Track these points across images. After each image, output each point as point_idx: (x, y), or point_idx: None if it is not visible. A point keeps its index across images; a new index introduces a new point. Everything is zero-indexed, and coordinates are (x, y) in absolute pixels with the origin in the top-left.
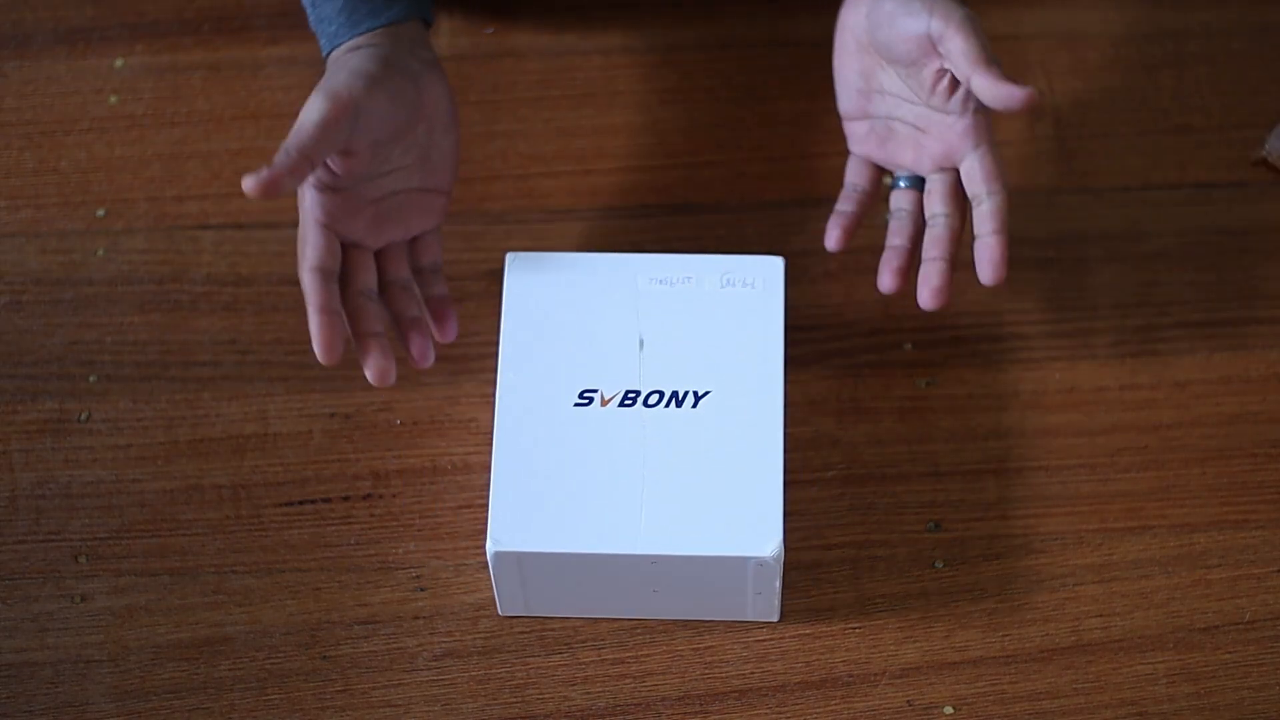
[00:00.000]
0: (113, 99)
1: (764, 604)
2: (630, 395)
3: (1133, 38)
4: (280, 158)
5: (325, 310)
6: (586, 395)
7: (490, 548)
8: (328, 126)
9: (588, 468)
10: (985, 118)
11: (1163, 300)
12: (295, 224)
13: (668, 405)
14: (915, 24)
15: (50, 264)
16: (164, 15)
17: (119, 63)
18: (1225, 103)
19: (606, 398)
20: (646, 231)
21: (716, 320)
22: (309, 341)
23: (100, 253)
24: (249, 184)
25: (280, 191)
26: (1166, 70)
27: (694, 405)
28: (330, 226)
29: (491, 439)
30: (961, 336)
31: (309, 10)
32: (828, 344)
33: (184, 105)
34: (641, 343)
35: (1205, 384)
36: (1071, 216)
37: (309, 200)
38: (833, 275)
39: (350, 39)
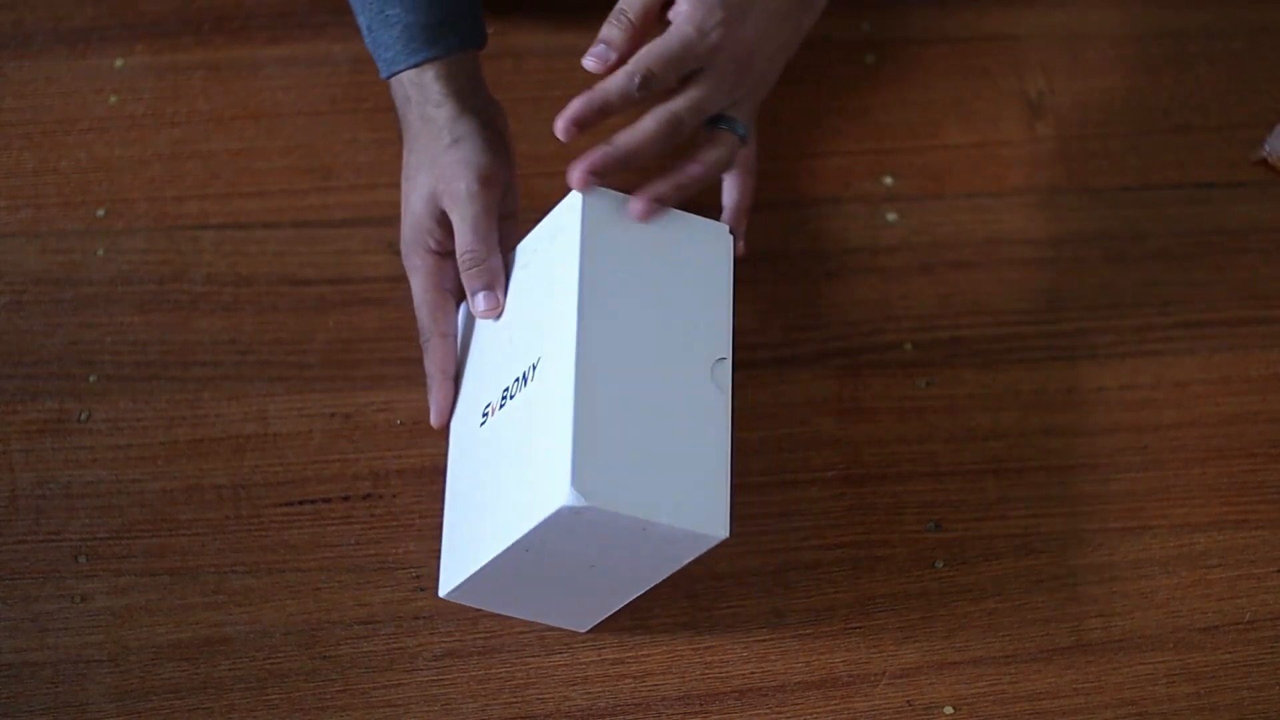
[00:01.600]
0: (113, 99)
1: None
2: (504, 394)
3: (1133, 38)
4: (488, 281)
5: (451, 379)
6: (485, 413)
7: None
8: (491, 214)
9: (479, 481)
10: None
11: (1163, 300)
12: (296, 224)
13: (521, 386)
14: None
15: (50, 264)
16: (164, 15)
17: (119, 63)
18: (1225, 103)
19: (494, 407)
20: None
21: (534, 280)
22: (309, 341)
23: (100, 253)
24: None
25: None
26: (1166, 70)
27: (532, 377)
28: (451, 291)
29: None
30: (961, 336)
31: (365, 34)
32: (828, 344)
33: (184, 105)
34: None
35: (1205, 384)
36: (1071, 216)
37: (432, 269)
38: (833, 275)
39: (408, 67)
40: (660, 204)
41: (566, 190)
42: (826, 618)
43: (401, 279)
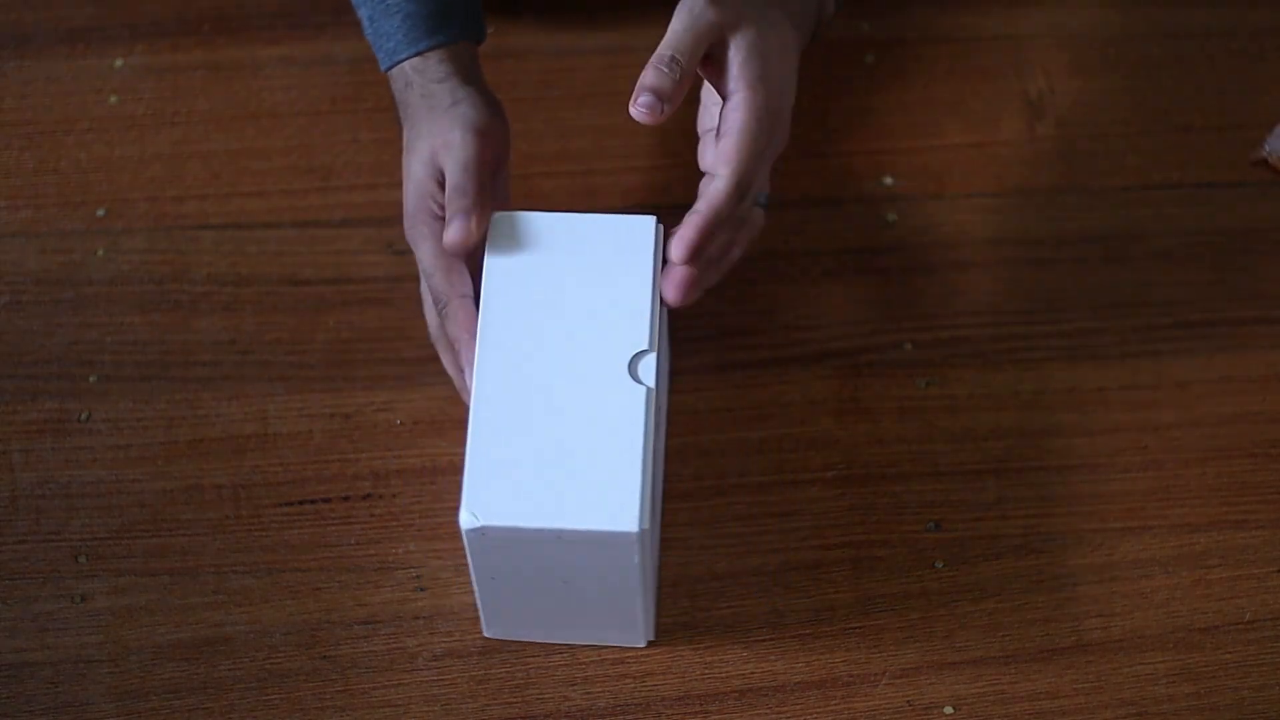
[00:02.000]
0: (113, 99)
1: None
2: None
3: (1133, 38)
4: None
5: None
6: None
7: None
8: (484, 163)
9: None
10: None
11: (1163, 300)
12: (296, 224)
13: None
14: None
15: (50, 264)
16: (164, 15)
17: (119, 63)
18: (1225, 103)
19: None
20: None
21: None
22: (309, 341)
23: (100, 253)
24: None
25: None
26: (1166, 70)
27: None
28: (461, 255)
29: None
30: (961, 336)
31: (366, 26)
32: (828, 344)
33: (184, 105)
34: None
35: (1205, 384)
36: (1071, 216)
37: (440, 234)
38: (833, 275)
39: (409, 55)
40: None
41: (566, 190)
42: (826, 618)
43: (401, 279)
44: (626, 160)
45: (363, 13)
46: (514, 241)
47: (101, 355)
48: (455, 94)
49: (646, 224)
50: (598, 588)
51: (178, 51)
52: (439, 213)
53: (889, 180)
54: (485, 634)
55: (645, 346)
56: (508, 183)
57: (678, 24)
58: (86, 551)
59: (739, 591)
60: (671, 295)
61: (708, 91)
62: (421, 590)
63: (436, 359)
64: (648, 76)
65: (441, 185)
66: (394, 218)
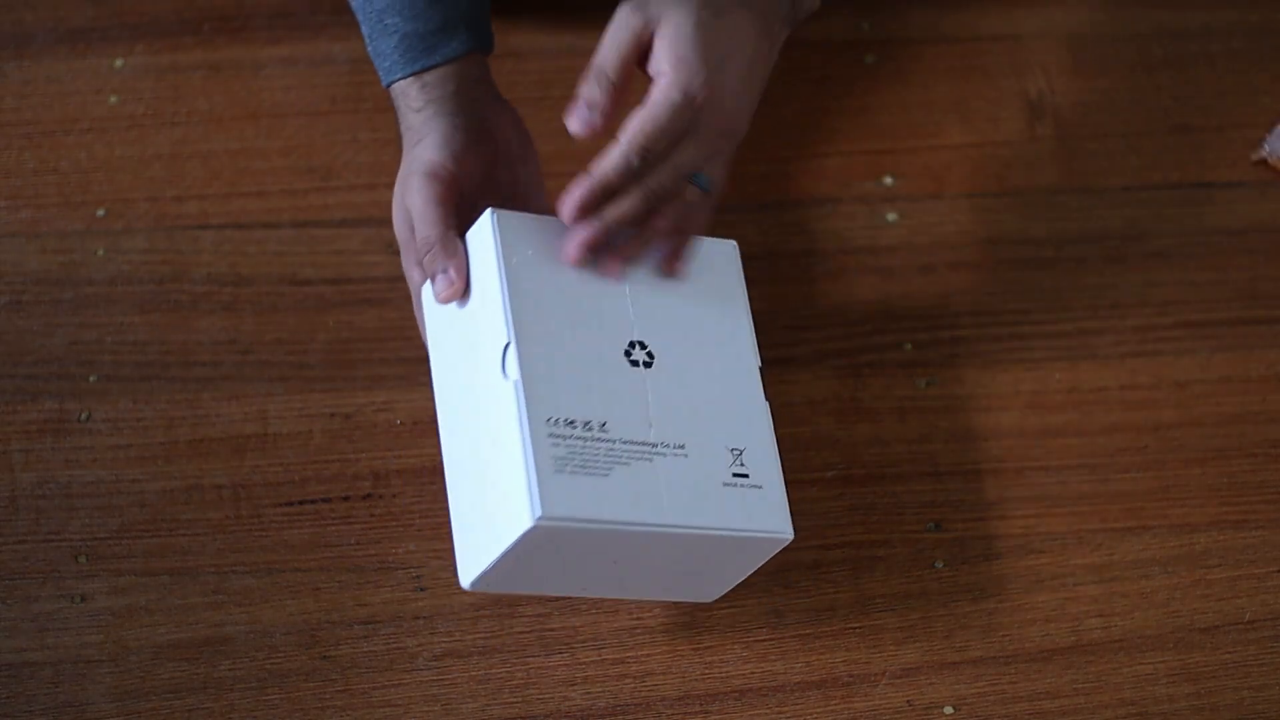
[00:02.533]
0: (113, 99)
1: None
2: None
3: (1133, 38)
4: (434, 259)
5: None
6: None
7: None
8: (442, 204)
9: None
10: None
11: (1163, 300)
12: (296, 224)
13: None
14: None
15: (50, 264)
16: (164, 15)
17: (119, 63)
18: (1225, 103)
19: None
20: None
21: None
22: (309, 341)
23: (100, 253)
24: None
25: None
26: (1166, 70)
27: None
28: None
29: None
30: (961, 336)
31: (367, 43)
32: (828, 344)
33: (184, 105)
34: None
35: (1205, 384)
36: (1071, 216)
37: (416, 279)
38: (833, 275)
39: (405, 76)
40: (610, 258)
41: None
42: (826, 618)
43: (401, 279)
44: None
45: (364, 29)
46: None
47: (101, 355)
48: (421, 130)
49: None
50: (648, 572)
51: (178, 51)
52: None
53: (889, 180)
54: (465, 586)
55: (507, 339)
56: (538, 171)
57: (604, 37)
58: (86, 551)
59: (739, 591)
60: (565, 253)
61: None
62: (421, 590)
63: None
64: (581, 88)
65: (406, 222)
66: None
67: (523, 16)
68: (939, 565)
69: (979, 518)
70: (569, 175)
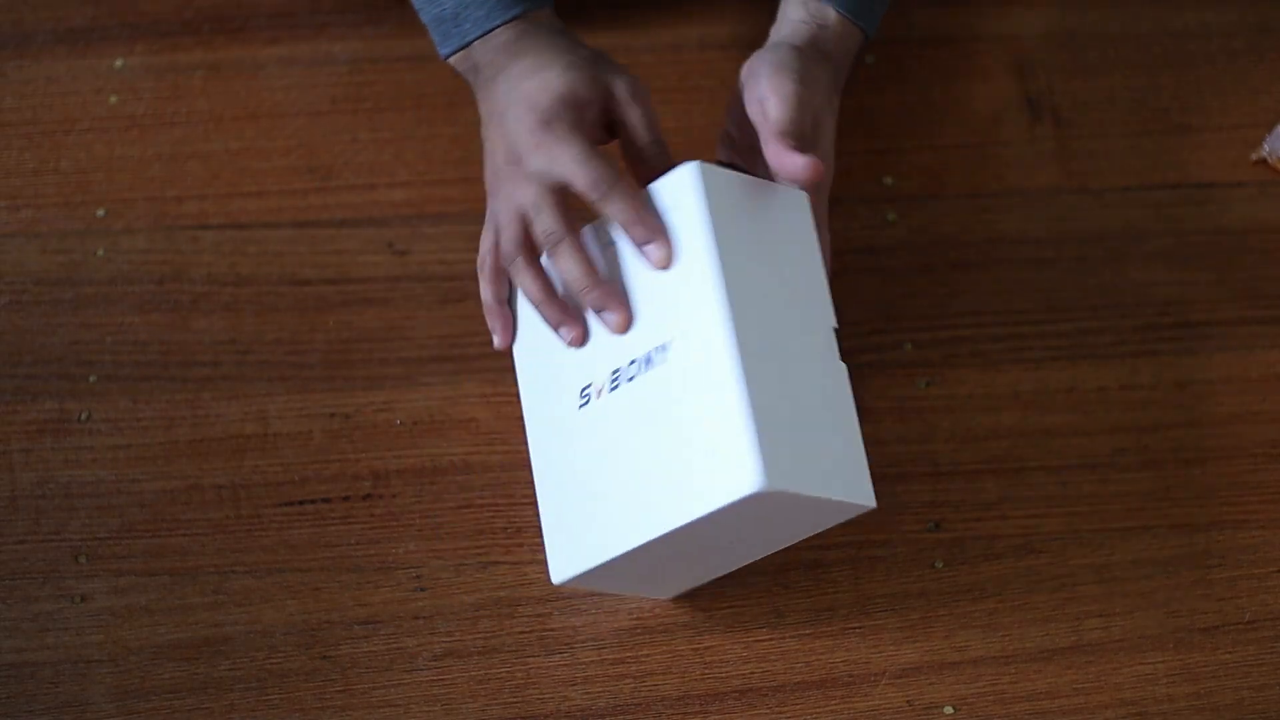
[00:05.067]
0: (113, 99)
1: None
2: (614, 376)
3: (1133, 38)
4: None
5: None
6: (585, 394)
7: (555, 579)
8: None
9: (606, 464)
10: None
11: (1162, 300)
12: (296, 224)
13: (644, 369)
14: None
15: (50, 264)
16: (164, 15)
17: (119, 63)
18: (1225, 103)
19: (599, 389)
20: None
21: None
22: (309, 341)
23: (100, 253)
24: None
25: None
26: (1166, 70)
27: (664, 361)
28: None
29: (500, 437)
30: (961, 336)
31: (425, 7)
32: None
33: (184, 105)
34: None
35: (1205, 384)
36: (1071, 216)
37: (587, 133)
38: (833, 275)
39: (501, 23)
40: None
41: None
42: (826, 618)
43: (401, 279)
44: None
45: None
46: (725, 201)
47: (101, 355)
48: (591, 49)
49: (800, 198)
50: (751, 547)
51: (178, 51)
52: (589, 118)
53: (889, 180)
54: (555, 581)
55: (834, 324)
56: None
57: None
58: (86, 551)
59: (739, 591)
60: (804, 167)
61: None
62: (421, 590)
63: (436, 359)
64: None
65: (596, 97)
66: (394, 218)
67: None
68: (939, 565)
69: (979, 518)
70: None
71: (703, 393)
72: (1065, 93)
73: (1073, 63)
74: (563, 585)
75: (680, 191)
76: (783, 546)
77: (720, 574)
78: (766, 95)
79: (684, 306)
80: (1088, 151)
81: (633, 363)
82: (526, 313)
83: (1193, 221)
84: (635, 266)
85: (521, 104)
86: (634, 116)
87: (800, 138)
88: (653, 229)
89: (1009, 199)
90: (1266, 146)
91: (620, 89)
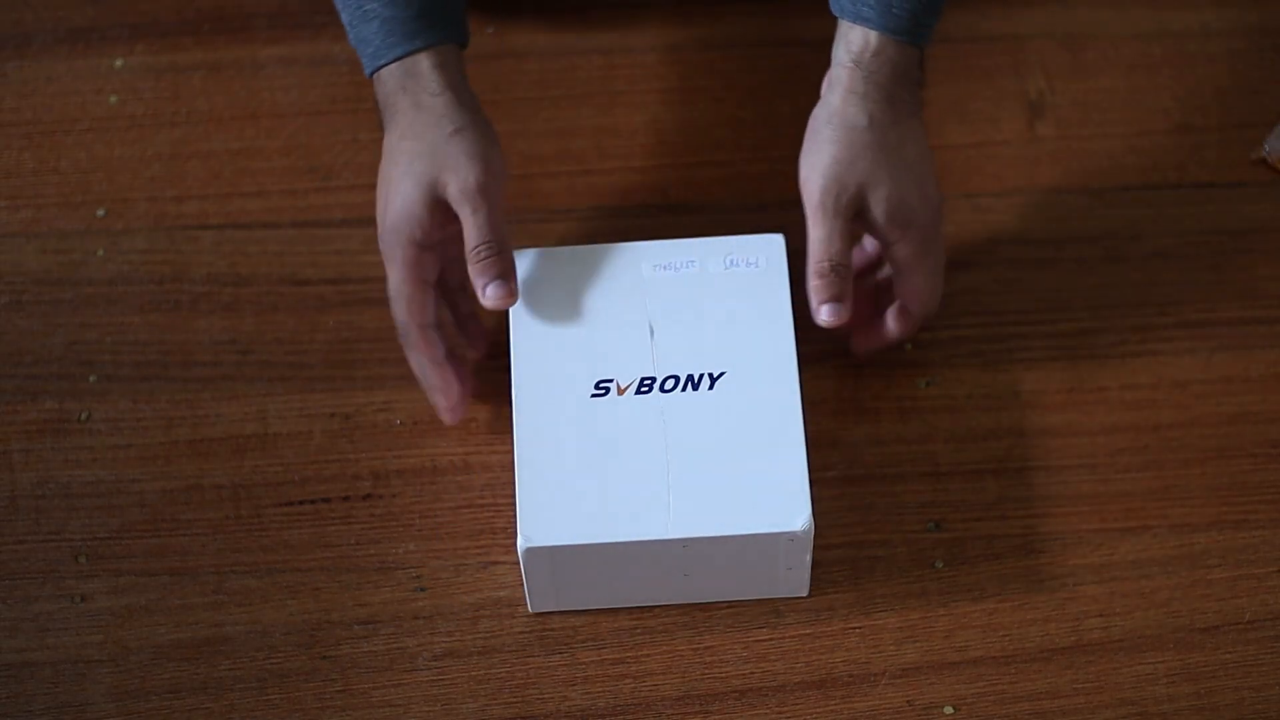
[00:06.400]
0: (113, 99)
1: (795, 579)
2: (646, 382)
3: (1133, 38)
4: (502, 270)
5: (445, 363)
6: (603, 385)
7: (521, 544)
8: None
9: (611, 457)
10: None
11: (1163, 300)
12: (296, 224)
13: (684, 389)
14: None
15: (50, 264)
16: (164, 15)
17: (119, 63)
18: (1225, 103)
19: (623, 386)
20: (646, 232)
21: (724, 301)
22: (309, 341)
23: (100, 253)
24: None
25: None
26: (1166, 70)
27: (710, 387)
28: (429, 283)
29: (500, 438)
30: (961, 336)
31: (349, 32)
32: (828, 344)
33: (184, 105)
34: (652, 330)
35: (1205, 384)
36: (1071, 216)
37: (413, 261)
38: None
39: (392, 60)
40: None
41: (566, 190)
42: (826, 618)
43: None
44: (626, 160)
45: (344, 18)
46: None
47: (101, 355)
48: (455, 118)
49: (777, 242)
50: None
51: (178, 51)
52: (419, 239)
53: None
54: (523, 548)
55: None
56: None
57: (820, 229)
58: (86, 551)
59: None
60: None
61: None
62: (421, 590)
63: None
64: (820, 288)
65: (431, 213)
66: None
67: (523, 16)
68: (939, 565)
69: (979, 518)
70: (569, 175)
71: (760, 435)
72: (1065, 93)
73: (1073, 63)
74: (528, 552)
75: (761, 249)
76: (719, 598)
77: (666, 602)
78: (806, 217)
79: (752, 348)
80: (1088, 151)
81: (672, 377)
82: (538, 285)
83: (1193, 221)
84: (706, 298)
85: (379, 189)
86: (465, 218)
87: (832, 272)
88: (435, 389)
89: (1009, 199)
90: (1266, 146)
91: (452, 191)
